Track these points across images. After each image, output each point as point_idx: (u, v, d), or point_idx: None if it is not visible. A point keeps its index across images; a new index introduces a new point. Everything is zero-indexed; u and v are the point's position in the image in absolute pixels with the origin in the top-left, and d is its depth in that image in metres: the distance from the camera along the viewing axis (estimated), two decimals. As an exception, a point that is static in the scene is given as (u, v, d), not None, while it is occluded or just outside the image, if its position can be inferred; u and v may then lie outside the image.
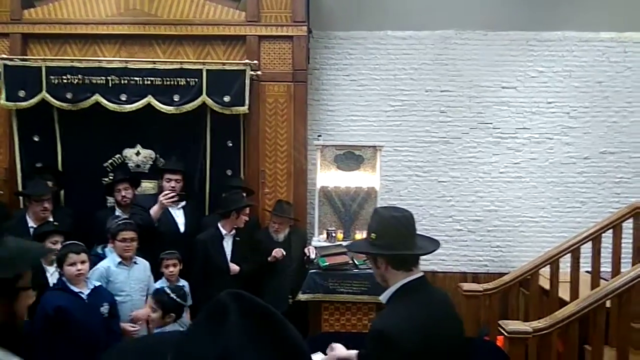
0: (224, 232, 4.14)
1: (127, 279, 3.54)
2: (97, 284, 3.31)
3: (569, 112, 5.55)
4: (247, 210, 4.24)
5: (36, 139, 4.63)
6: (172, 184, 4.22)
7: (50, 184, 4.25)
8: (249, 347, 0.85)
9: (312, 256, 4.43)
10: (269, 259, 4.28)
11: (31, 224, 3.89)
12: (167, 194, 4.06)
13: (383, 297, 1.93)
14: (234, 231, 4.19)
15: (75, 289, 3.13)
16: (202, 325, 0.91)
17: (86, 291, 3.18)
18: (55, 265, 3.35)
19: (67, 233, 3.63)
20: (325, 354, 2.40)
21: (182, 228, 4.24)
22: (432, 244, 1.98)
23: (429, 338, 1.73)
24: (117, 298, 3.41)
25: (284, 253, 4.32)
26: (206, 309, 0.92)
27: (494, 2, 5.36)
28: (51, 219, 3.97)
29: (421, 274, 1.91)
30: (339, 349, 2.18)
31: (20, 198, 4.51)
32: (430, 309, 1.83)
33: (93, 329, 3.08)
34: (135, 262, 3.62)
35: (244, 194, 4.40)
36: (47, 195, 3.94)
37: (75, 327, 3.01)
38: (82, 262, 3.16)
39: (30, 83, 4.47)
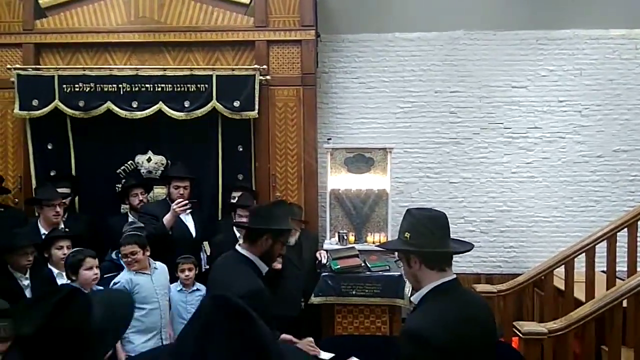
0: (238, 234, 4.15)
1: (152, 287, 3.47)
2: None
3: (581, 110, 5.51)
4: (245, 212, 4.08)
5: (50, 147, 4.69)
6: (181, 191, 4.20)
7: (67, 190, 4.30)
8: (223, 345, 0.90)
9: (324, 261, 4.42)
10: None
11: (43, 230, 3.93)
12: (180, 203, 4.07)
13: (415, 298, 1.92)
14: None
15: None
16: (189, 327, 1.00)
17: None
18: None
19: (76, 237, 3.66)
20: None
21: (193, 233, 4.26)
22: (465, 246, 1.99)
23: (462, 339, 1.72)
24: (146, 307, 3.37)
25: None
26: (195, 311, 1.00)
27: (502, 1, 5.34)
28: (62, 225, 4.02)
29: (454, 276, 1.89)
30: None
31: (35, 207, 4.58)
32: (464, 311, 1.82)
33: None
34: (155, 268, 3.58)
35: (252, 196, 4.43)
36: (57, 200, 3.98)
37: None
38: (97, 267, 3.21)
39: (43, 92, 4.53)
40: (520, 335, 3.14)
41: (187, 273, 3.75)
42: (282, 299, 4.17)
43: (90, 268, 3.15)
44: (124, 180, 4.63)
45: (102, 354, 1.28)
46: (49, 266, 3.50)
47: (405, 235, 1.92)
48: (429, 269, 1.87)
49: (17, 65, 4.63)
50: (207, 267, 4.15)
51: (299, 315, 4.16)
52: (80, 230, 4.04)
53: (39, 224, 3.97)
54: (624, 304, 3.31)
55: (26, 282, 3.33)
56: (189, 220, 4.25)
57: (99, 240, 4.09)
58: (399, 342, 1.78)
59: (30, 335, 1.21)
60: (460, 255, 5.81)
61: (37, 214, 4.10)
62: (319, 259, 4.47)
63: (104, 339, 1.31)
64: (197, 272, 3.84)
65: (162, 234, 3.93)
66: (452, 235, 2.03)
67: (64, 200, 4.15)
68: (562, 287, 4.21)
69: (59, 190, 4.19)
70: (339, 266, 4.28)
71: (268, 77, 4.63)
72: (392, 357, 2.01)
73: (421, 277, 1.89)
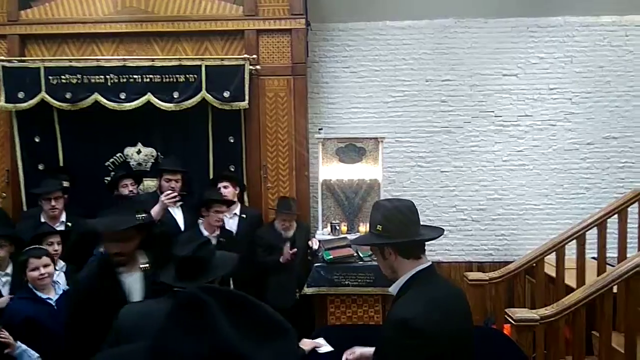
0: (205, 233, 3.88)
1: None
2: (66, 288, 3.14)
3: (571, 98, 5.52)
4: (222, 207, 3.97)
5: (37, 139, 4.63)
6: (172, 184, 4.15)
7: (67, 183, 4.26)
8: (238, 335, 0.86)
9: (315, 247, 4.41)
10: (281, 260, 4.20)
11: (44, 221, 3.91)
12: (168, 194, 4.03)
13: (393, 288, 1.92)
14: (217, 232, 3.96)
15: (43, 296, 2.97)
16: (180, 322, 0.91)
17: (54, 297, 3.02)
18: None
19: (64, 232, 3.61)
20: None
21: (182, 226, 4.23)
22: (437, 231, 2.00)
23: (447, 326, 1.74)
24: None
25: (295, 251, 4.23)
26: (179, 306, 0.92)
27: (492, -11, 5.32)
28: (63, 219, 3.99)
29: (430, 262, 1.91)
30: (358, 350, 2.17)
31: (24, 201, 4.53)
32: (444, 297, 1.83)
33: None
34: None
35: (231, 187, 4.32)
36: (55, 194, 3.93)
37: (45, 337, 2.81)
38: (45, 266, 2.98)
39: (29, 84, 4.46)
40: (512, 322, 3.16)
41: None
42: (276, 291, 4.18)
43: (36, 269, 2.94)
44: (112, 173, 4.59)
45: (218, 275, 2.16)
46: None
47: (377, 227, 1.92)
48: (405, 258, 1.88)
49: (2, 57, 4.56)
50: None
51: (293, 306, 4.16)
52: (79, 225, 4.01)
53: (42, 217, 3.95)
54: (614, 289, 3.33)
55: (5, 279, 3.28)
56: (177, 214, 4.21)
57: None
58: (385, 332, 1.77)
59: (183, 256, 2.09)
60: (453, 243, 5.86)
61: (27, 207, 4.05)
62: (311, 245, 4.46)
63: (222, 267, 2.17)
64: None
65: (150, 225, 3.88)
66: (442, 225, 2.03)
67: (64, 196, 4.09)
68: (553, 274, 4.23)
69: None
70: (331, 256, 4.28)
71: (258, 67, 4.59)
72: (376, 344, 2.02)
73: (397, 267, 1.90)
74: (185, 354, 0.87)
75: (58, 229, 3.85)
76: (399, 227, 1.87)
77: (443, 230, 2.02)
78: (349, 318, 4.29)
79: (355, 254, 4.35)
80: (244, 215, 4.40)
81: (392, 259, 1.89)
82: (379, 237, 1.92)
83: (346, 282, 4.26)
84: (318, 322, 4.38)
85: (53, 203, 3.90)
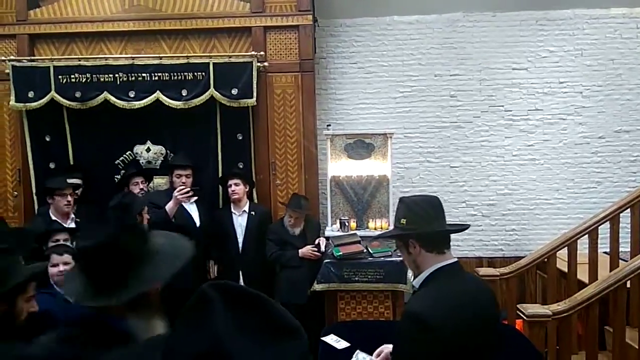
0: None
1: None
2: None
3: (582, 91, 5.46)
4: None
5: (48, 139, 4.66)
6: (183, 179, 4.23)
7: (79, 181, 4.30)
8: (237, 334, 0.86)
9: (323, 248, 4.40)
10: (299, 255, 4.28)
11: (55, 219, 3.94)
12: (181, 190, 4.07)
13: (416, 282, 1.91)
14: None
15: (61, 291, 2.94)
16: (187, 320, 0.92)
17: None
18: None
19: (73, 230, 3.64)
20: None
21: (197, 222, 4.26)
22: (461, 225, 2.03)
23: (460, 322, 1.71)
24: None
25: (317, 252, 4.31)
26: (189, 303, 0.92)
27: (501, -18, 5.27)
28: (73, 216, 4.02)
29: (455, 259, 1.89)
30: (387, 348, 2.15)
31: (35, 200, 4.56)
32: (464, 293, 1.81)
33: None
34: None
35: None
36: (69, 190, 3.97)
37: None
38: (65, 264, 3.03)
39: (39, 83, 4.48)
40: (525, 317, 3.14)
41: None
42: (290, 287, 4.20)
43: (56, 265, 3.02)
44: (122, 171, 4.61)
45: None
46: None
47: (402, 222, 1.92)
48: (428, 252, 1.86)
49: (12, 57, 4.58)
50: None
51: (306, 303, 4.17)
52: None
53: (51, 213, 3.97)
54: (628, 284, 3.30)
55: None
56: (192, 210, 4.26)
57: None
58: (398, 326, 1.77)
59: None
60: (463, 238, 5.83)
61: (38, 206, 4.08)
62: (319, 246, 4.44)
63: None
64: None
65: (161, 221, 3.91)
66: (452, 220, 2.02)
67: (75, 192, 4.14)
68: (565, 269, 4.20)
69: (71, 180, 4.17)
70: (341, 253, 4.27)
71: (265, 64, 4.58)
72: (393, 338, 2.00)
73: (421, 262, 1.88)
74: (188, 350, 0.87)
75: (69, 226, 3.88)
76: (424, 220, 1.87)
77: (468, 225, 2.04)
78: (359, 314, 4.28)
79: (364, 250, 4.34)
80: (253, 212, 4.42)
81: (416, 252, 1.87)
82: (403, 230, 1.91)
83: (356, 279, 4.25)
84: (328, 319, 4.38)
85: (69, 199, 3.94)
